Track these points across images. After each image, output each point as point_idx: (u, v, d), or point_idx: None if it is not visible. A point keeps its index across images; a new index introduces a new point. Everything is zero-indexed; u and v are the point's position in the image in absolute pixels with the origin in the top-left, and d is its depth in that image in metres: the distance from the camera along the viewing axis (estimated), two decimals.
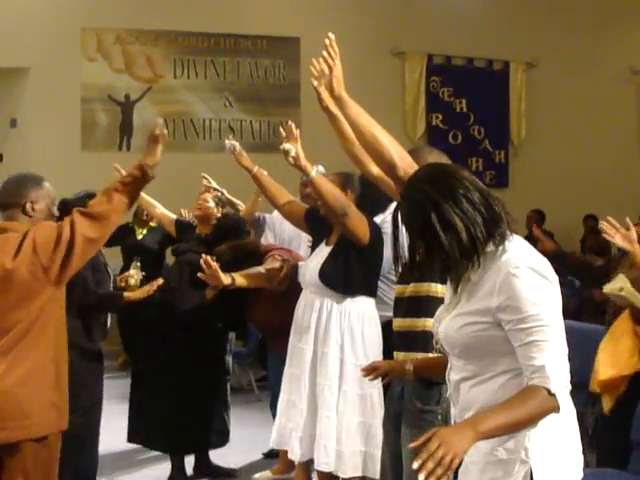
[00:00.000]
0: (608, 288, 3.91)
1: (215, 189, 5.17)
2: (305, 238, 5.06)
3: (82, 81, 9.28)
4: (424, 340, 2.90)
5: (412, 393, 2.93)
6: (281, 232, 5.66)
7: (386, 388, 3.36)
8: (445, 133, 10.74)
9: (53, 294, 2.93)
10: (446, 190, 2.07)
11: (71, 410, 3.09)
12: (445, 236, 2.04)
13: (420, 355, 2.90)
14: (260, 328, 5.33)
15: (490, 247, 2.08)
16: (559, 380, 1.99)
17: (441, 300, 2.38)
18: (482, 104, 10.84)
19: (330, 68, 2.77)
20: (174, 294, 4.65)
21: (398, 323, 3.07)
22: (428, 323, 2.81)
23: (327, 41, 2.77)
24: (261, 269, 4.45)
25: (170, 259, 5.90)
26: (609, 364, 3.89)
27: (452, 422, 2.28)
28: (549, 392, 1.97)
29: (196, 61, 9.75)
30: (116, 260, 6.73)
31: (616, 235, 3.87)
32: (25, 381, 2.89)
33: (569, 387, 2.03)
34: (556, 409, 1.99)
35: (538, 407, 1.97)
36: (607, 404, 3.92)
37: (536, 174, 10.74)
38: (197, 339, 4.71)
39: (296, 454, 4.07)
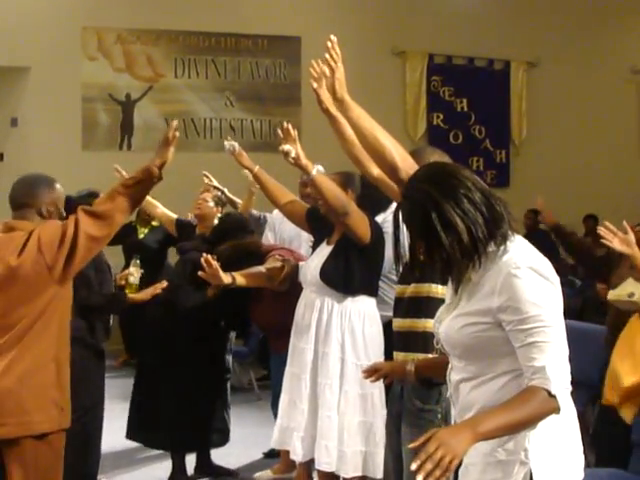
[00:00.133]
0: (615, 294, 3.85)
1: (216, 187, 5.18)
2: (305, 238, 5.06)
3: (83, 80, 9.29)
4: (424, 341, 2.89)
5: (411, 392, 2.92)
6: (281, 232, 5.66)
7: (387, 388, 3.36)
8: (446, 133, 10.74)
9: (57, 292, 2.94)
10: (447, 190, 2.05)
11: (73, 409, 3.09)
12: (446, 236, 2.02)
13: (420, 356, 2.89)
14: (261, 328, 5.34)
15: (491, 247, 2.06)
16: (559, 381, 1.98)
17: (441, 301, 2.37)
18: (483, 104, 10.84)
19: (332, 70, 2.74)
20: (177, 292, 4.66)
21: (398, 323, 3.06)
22: (428, 324, 2.81)
23: (329, 43, 2.74)
24: (262, 269, 4.44)
25: (172, 259, 5.91)
26: (630, 372, 3.69)
27: (452, 422, 2.28)
28: (549, 393, 1.96)
29: (197, 60, 9.75)
30: (117, 258, 6.74)
31: (614, 239, 3.85)
32: (26, 378, 2.89)
33: (570, 388, 2.02)
34: (556, 410, 1.98)
35: (538, 408, 1.96)
36: (629, 414, 3.69)
37: (537, 174, 10.74)
38: (198, 338, 4.71)
39: (298, 454, 4.07)
